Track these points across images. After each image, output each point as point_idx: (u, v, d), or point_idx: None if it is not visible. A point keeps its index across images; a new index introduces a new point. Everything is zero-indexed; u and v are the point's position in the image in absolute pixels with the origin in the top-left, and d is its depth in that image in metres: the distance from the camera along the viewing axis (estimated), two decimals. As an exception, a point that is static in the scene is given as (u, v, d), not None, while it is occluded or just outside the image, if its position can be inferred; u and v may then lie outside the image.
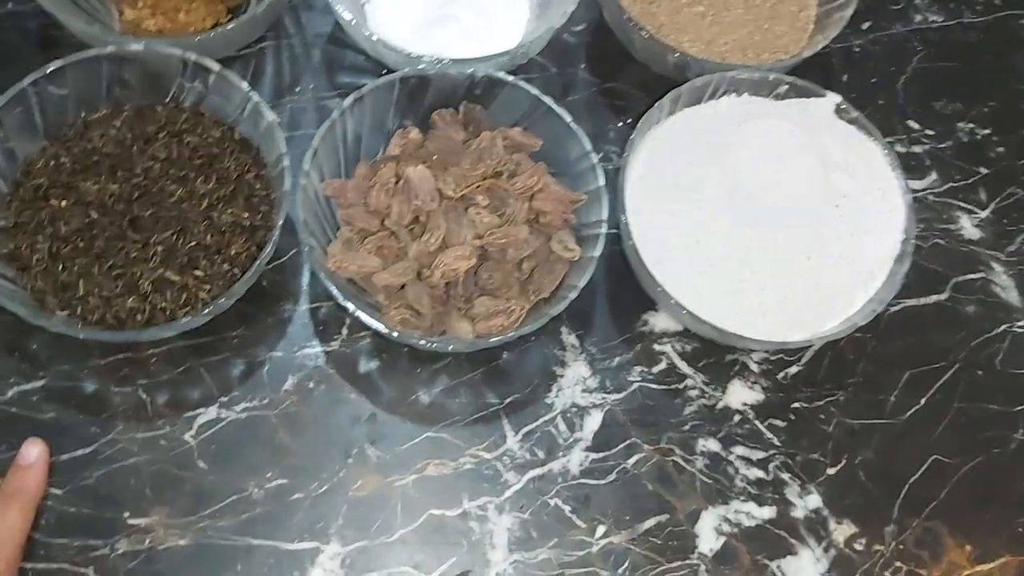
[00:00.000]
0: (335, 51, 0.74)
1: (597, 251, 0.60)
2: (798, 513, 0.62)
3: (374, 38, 0.66)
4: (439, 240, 0.59)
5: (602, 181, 0.62)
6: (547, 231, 0.62)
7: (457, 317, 0.60)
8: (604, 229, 0.61)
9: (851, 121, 0.67)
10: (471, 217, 0.60)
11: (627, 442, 0.63)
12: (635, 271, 0.63)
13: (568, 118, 0.64)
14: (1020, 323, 0.69)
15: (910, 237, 0.63)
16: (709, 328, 0.60)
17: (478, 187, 0.61)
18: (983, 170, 0.75)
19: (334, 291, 0.57)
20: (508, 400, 0.63)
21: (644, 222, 0.62)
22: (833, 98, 0.67)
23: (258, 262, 0.58)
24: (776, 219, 0.63)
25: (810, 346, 0.66)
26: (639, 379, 0.65)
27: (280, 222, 0.59)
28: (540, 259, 0.61)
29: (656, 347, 0.66)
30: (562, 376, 0.64)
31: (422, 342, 0.58)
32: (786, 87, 0.67)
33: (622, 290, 0.67)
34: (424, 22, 0.72)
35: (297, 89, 0.73)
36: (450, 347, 0.60)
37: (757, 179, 0.64)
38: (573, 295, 0.59)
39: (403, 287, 0.60)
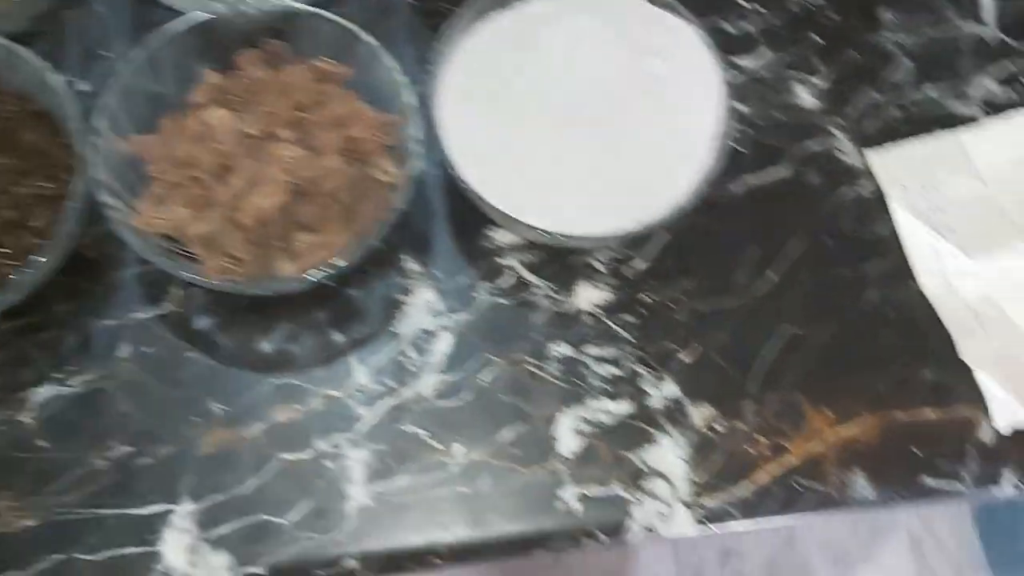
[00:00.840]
0: (143, 11, 0.72)
1: (415, 171, 0.59)
2: (655, 403, 0.61)
3: (169, -12, 0.64)
4: (246, 181, 0.58)
5: (414, 100, 0.61)
6: (363, 158, 0.61)
7: (279, 257, 0.59)
8: (421, 148, 0.60)
9: (663, 6, 0.65)
10: (277, 153, 0.58)
11: (479, 358, 0.62)
12: (459, 187, 0.62)
13: (371, 40, 0.62)
14: (863, 184, 0.68)
15: (729, 114, 0.62)
16: (539, 233, 0.59)
17: (283, 122, 0.60)
18: (817, 39, 0.74)
19: (139, 247, 0.55)
20: (354, 336, 0.62)
21: (461, 136, 0.61)
22: (642, -17, 0.65)
23: (62, 229, 0.56)
24: (593, 114, 0.62)
25: (650, 237, 0.65)
26: (487, 295, 0.64)
27: (80, 188, 0.57)
28: (358, 188, 0.60)
29: (500, 261, 0.65)
30: (407, 304, 0.63)
31: (247, 288, 0.57)
32: (594, -21, 0.65)
33: (461, 209, 0.65)
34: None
35: (107, 55, 0.70)
36: (277, 288, 0.59)
37: (569, 77, 0.62)
38: (393, 218, 0.58)
39: (218, 235, 0.58)
